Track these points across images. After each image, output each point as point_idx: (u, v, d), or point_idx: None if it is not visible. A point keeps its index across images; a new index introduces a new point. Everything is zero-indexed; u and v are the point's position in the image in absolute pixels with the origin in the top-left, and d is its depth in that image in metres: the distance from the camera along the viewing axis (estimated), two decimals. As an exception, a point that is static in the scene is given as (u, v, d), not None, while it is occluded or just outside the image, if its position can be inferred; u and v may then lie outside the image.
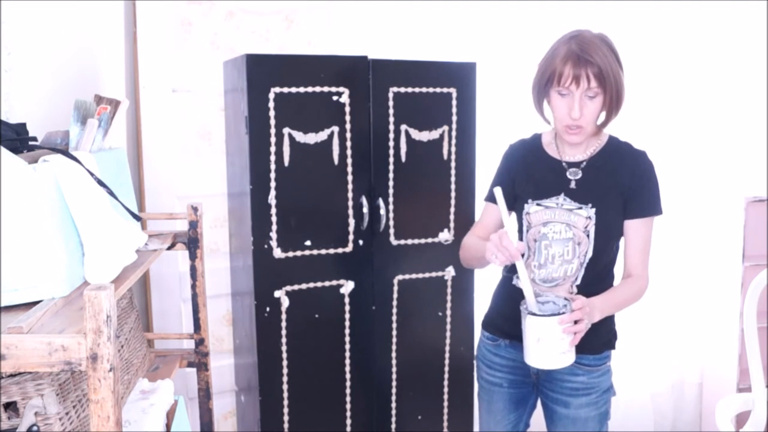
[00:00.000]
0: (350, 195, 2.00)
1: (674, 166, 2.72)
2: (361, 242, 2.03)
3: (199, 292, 1.79)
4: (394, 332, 2.12)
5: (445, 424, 2.23)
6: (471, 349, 2.21)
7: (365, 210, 2.01)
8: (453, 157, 2.11)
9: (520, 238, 1.65)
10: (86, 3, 1.86)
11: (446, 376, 2.21)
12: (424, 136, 2.07)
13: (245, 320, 2.10)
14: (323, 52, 2.40)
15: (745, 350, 2.28)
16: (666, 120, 2.79)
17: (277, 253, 1.95)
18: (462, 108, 2.10)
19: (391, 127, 2.02)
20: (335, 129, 1.96)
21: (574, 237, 1.58)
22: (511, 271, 1.70)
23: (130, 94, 2.25)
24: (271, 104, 1.88)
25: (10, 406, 1.05)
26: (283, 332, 1.99)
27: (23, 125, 1.26)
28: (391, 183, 2.05)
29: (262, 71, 1.87)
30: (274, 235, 1.93)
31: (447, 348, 2.20)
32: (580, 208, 1.59)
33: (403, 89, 2.02)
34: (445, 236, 2.14)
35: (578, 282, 1.60)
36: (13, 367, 0.89)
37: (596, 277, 1.61)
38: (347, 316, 2.05)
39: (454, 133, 2.10)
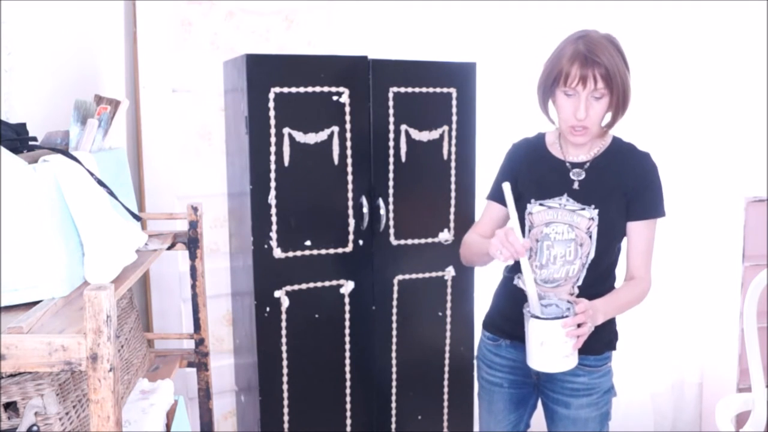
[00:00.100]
0: (350, 195, 2.00)
1: (674, 166, 2.71)
2: (361, 242, 2.03)
3: (199, 292, 1.79)
4: (394, 332, 2.12)
5: (445, 424, 2.23)
6: (471, 349, 2.21)
7: (365, 210, 2.01)
8: (453, 157, 2.11)
9: None
10: (86, 3, 1.86)
11: (446, 376, 2.21)
12: (424, 136, 2.07)
13: (245, 320, 2.10)
14: (323, 52, 2.40)
15: (745, 350, 2.28)
16: (666, 120, 2.79)
17: (277, 253, 1.95)
18: (462, 108, 2.10)
19: (391, 127, 2.02)
20: (335, 129, 1.96)
21: (576, 238, 1.58)
22: (512, 271, 1.69)
23: (130, 94, 2.25)
24: (271, 104, 1.88)
25: (10, 406, 1.05)
26: (283, 332, 1.99)
27: (23, 125, 1.26)
28: (391, 183, 2.05)
29: (262, 71, 1.87)
30: (274, 235, 1.93)
31: (447, 348, 2.20)
32: (583, 209, 1.58)
33: (403, 89, 2.02)
34: (445, 236, 2.14)
35: (580, 283, 1.60)
36: (13, 367, 0.89)
37: (598, 278, 1.61)
38: (347, 316, 2.05)
39: (454, 133, 2.10)
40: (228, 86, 2.14)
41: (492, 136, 2.41)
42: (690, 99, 2.81)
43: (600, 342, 1.62)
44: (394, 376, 2.15)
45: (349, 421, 2.10)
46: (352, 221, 2.01)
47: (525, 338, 1.54)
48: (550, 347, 1.46)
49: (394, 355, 2.13)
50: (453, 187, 2.13)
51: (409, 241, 2.09)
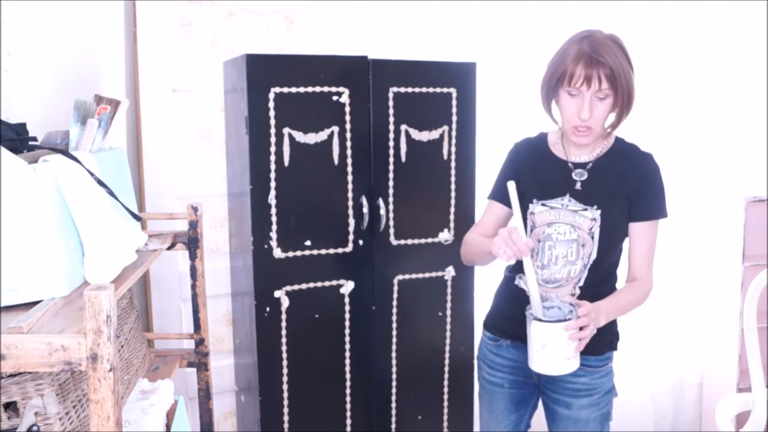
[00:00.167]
0: (350, 195, 2.00)
1: (674, 166, 2.71)
2: (361, 242, 2.03)
3: (199, 292, 1.79)
4: (394, 332, 2.12)
5: (445, 424, 2.23)
6: (471, 349, 2.21)
7: (365, 210, 2.01)
8: (453, 157, 2.11)
9: None
10: (86, 3, 1.86)
11: (446, 376, 2.21)
12: (424, 136, 2.07)
13: (245, 320, 2.10)
14: (323, 52, 2.40)
15: (745, 350, 2.28)
16: (666, 120, 2.79)
17: (277, 253, 1.95)
18: (462, 108, 2.10)
19: (391, 127, 2.02)
20: (335, 129, 1.96)
21: (578, 238, 1.57)
22: (513, 271, 1.69)
23: (130, 94, 2.25)
24: (271, 104, 1.88)
25: (10, 406, 1.05)
26: (283, 332, 1.99)
27: (23, 125, 1.26)
28: (391, 183, 2.05)
29: (262, 71, 1.87)
30: (274, 235, 1.93)
31: (447, 348, 2.20)
32: (585, 209, 1.58)
33: (403, 89, 2.02)
34: (445, 236, 2.14)
35: (581, 283, 1.60)
36: (13, 367, 0.89)
37: (599, 279, 1.61)
38: (347, 316, 2.05)
39: (454, 133, 2.10)
40: (228, 86, 2.14)
41: (492, 136, 2.41)
42: (690, 99, 2.81)
43: (601, 342, 1.61)
44: (394, 376, 2.15)
45: (349, 421, 2.10)
46: (352, 221, 2.01)
47: (527, 340, 1.53)
48: (552, 350, 1.45)
49: (394, 355, 2.13)
50: (453, 187, 2.13)
51: (409, 241, 2.09)
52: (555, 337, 1.44)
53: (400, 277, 2.10)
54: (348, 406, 2.10)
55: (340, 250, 2.01)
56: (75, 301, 1.04)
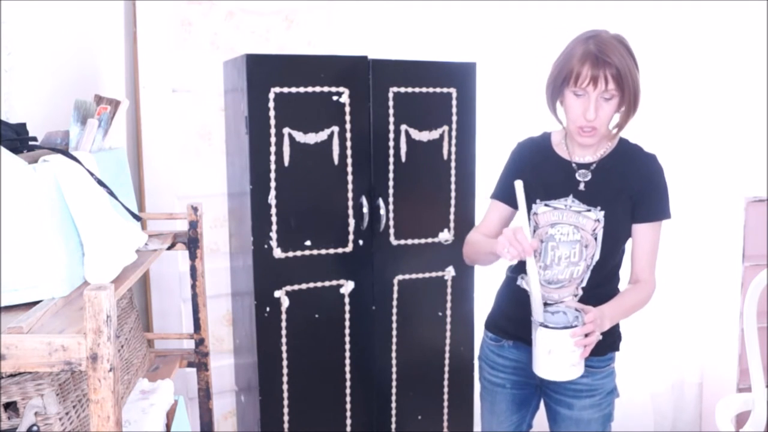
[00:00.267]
0: (350, 195, 2.00)
1: (675, 166, 2.71)
2: (361, 242, 2.03)
3: (199, 292, 1.79)
4: (394, 332, 2.12)
5: (445, 424, 2.23)
6: (471, 349, 2.21)
7: (365, 210, 2.01)
8: (453, 157, 2.11)
9: None
10: (86, 3, 1.86)
11: (446, 376, 2.21)
12: (424, 136, 2.07)
13: (245, 320, 2.10)
14: (323, 52, 2.40)
15: (745, 350, 2.28)
16: (666, 120, 2.79)
17: (277, 253, 1.95)
18: (462, 108, 2.10)
19: (391, 127, 2.02)
20: (335, 129, 1.96)
21: (581, 239, 1.57)
22: (515, 271, 1.69)
23: (130, 94, 2.25)
24: (271, 104, 1.88)
25: (10, 406, 1.05)
26: (283, 332, 1.99)
27: (23, 125, 1.26)
28: (391, 183, 2.04)
29: (262, 71, 1.87)
30: (274, 235, 1.93)
31: (447, 348, 2.20)
32: (589, 210, 1.57)
33: (403, 89, 2.02)
34: (445, 236, 2.14)
35: (584, 284, 1.59)
36: (13, 367, 0.89)
37: (602, 280, 1.60)
38: (347, 316, 2.05)
39: (454, 133, 2.10)
40: (228, 86, 2.14)
41: (492, 136, 2.41)
42: (690, 99, 2.81)
43: (603, 343, 1.61)
44: (394, 376, 2.15)
45: (349, 421, 2.10)
46: (352, 221, 2.01)
47: (528, 341, 1.53)
48: (557, 356, 1.45)
49: (394, 355, 2.13)
50: (453, 187, 2.12)
51: (409, 241, 2.09)
52: (561, 344, 1.43)
53: (400, 277, 2.10)
54: (348, 406, 2.10)
55: (340, 250, 2.01)
56: (75, 301, 1.04)
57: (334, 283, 2.03)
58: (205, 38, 2.34)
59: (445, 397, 2.22)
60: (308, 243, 1.98)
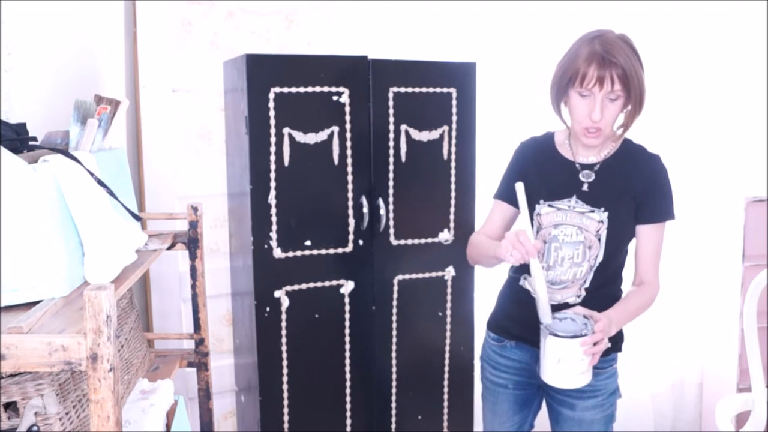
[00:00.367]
0: (350, 195, 2.00)
1: (675, 166, 2.70)
2: (361, 242, 2.03)
3: (199, 292, 1.79)
4: (394, 332, 2.12)
5: (445, 424, 2.23)
6: (471, 349, 2.21)
7: (365, 210, 2.01)
8: (453, 157, 2.11)
9: None
10: (86, 3, 1.86)
11: (446, 376, 2.21)
12: (424, 136, 2.07)
13: (245, 320, 2.10)
14: (323, 52, 2.40)
15: (745, 350, 2.28)
16: (666, 120, 2.79)
17: (277, 253, 1.95)
18: (462, 108, 2.10)
19: (391, 127, 2.02)
20: (335, 129, 1.96)
21: (585, 240, 1.56)
22: (517, 271, 1.68)
23: (130, 94, 2.25)
24: (271, 104, 1.88)
25: (10, 406, 1.05)
26: (283, 332, 1.99)
27: (23, 125, 1.26)
28: (391, 183, 2.04)
29: (262, 71, 1.87)
30: (274, 235, 1.93)
31: (447, 348, 2.20)
32: (593, 211, 1.56)
33: (403, 89, 2.02)
34: (445, 236, 2.14)
35: (587, 285, 1.59)
36: (13, 367, 0.89)
37: (605, 281, 1.60)
38: (347, 316, 2.05)
39: (454, 133, 2.10)
40: (228, 86, 2.14)
41: (492, 136, 2.41)
42: (690, 99, 2.81)
43: (606, 344, 1.61)
44: (394, 376, 2.14)
45: (349, 421, 2.10)
46: (352, 221, 2.01)
47: (534, 344, 1.52)
48: (567, 365, 1.44)
49: (394, 355, 2.13)
50: (453, 187, 2.12)
51: (409, 241, 2.09)
52: (571, 353, 1.43)
53: (400, 277, 2.10)
54: (348, 406, 2.10)
55: (340, 250, 2.01)
56: (75, 301, 1.04)
57: (334, 283, 2.03)
58: (205, 38, 2.34)
59: (445, 397, 2.22)
60: (308, 243, 1.98)
